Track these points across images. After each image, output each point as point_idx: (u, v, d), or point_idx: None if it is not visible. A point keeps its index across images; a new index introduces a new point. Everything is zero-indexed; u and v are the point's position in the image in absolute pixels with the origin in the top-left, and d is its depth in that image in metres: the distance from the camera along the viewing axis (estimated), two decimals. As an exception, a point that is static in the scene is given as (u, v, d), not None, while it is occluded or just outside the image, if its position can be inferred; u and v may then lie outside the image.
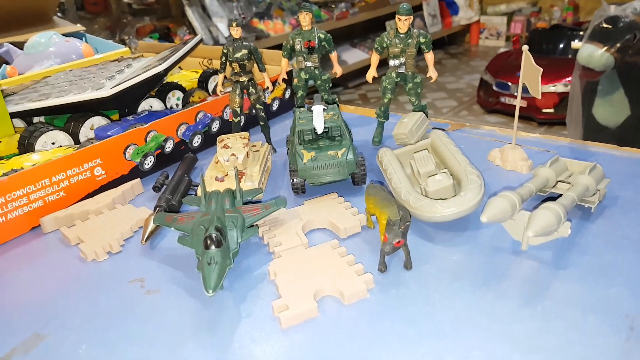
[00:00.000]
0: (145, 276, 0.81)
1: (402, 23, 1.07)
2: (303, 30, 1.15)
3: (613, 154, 1.07)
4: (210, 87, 1.51)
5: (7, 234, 0.95)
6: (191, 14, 3.93)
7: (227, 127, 1.29)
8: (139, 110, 1.31)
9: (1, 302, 0.79)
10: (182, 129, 1.21)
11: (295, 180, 0.98)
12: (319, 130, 0.97)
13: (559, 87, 3.75)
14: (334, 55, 1.21)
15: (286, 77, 1.25)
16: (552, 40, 4.17)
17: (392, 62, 1.12)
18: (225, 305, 0.73)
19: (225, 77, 1.17)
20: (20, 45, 1.63)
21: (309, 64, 1.18)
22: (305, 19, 1.13)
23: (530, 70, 0.92)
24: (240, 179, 0.97)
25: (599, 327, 0.63)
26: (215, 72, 1.51)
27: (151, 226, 0.89)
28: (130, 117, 1.23)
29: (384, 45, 1.11)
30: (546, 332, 0.63)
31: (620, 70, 2.15)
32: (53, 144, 1.16)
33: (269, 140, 1.22)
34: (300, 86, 1.22)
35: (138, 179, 1.10)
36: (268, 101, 1.42)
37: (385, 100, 1.17)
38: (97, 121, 1.23)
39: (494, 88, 4.10)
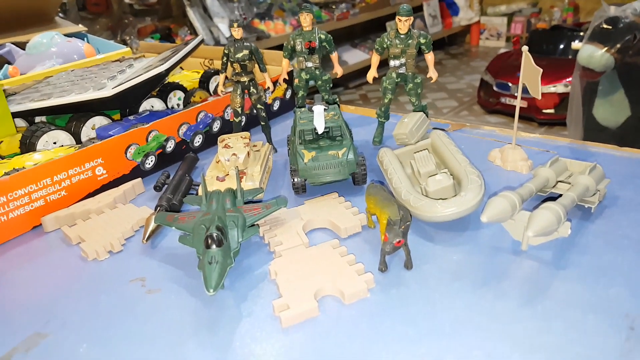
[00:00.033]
0: (146, 275, 0.81)
1: (403, 24, 1.07)
2: (304, 31, 1.15)
3: (613, 154, 1.07)
4: (212, 87, 1.51)
5: (8, 233, 0.95)
6: (192, 15, 3.93)
7: (228, 127, 1.29)
8: (141, 110, 1.32)
9: (2, 301, 0.79)
10: (183, 128, 1.21)
11: (296, 180, 0.98)
12: (320, 130, 0.97)
13: (559, 88, 3.75)
14: (334, 56, 1.21)
15: (287, 78, 1.25)
16: (552, 40, 4.17)
17: (392, 63, 1.12)
18: (226, 305, 0.73)
19: (226, 77, 1.17)
20: (22, 46, 1.63)
21: (309, 64, 1.18)
22: (306, 19, 1.13)
23: (530, 71, 0.92)
24: (241, 178, 0.97)
25: (599, 327, 0.63)
26: (217, 73, 1.51)
27: (152, 225, 0.89)
28: (131, 117, 1.24)
29: (385, 45, 1.11)
30: (546, 332, 0.63)
31: (621, 70, 2.15)
32: (54, 143, 1.17)
33: (269, 140, 1.22)
34: (301, 86, 1.22)
35: (139, 179, 1.10)
36: (269, 101, 1.42)
37: (386, 101, 1.17)
38: (99, 121, 1.23)
39: (495, 88, 4.10)
